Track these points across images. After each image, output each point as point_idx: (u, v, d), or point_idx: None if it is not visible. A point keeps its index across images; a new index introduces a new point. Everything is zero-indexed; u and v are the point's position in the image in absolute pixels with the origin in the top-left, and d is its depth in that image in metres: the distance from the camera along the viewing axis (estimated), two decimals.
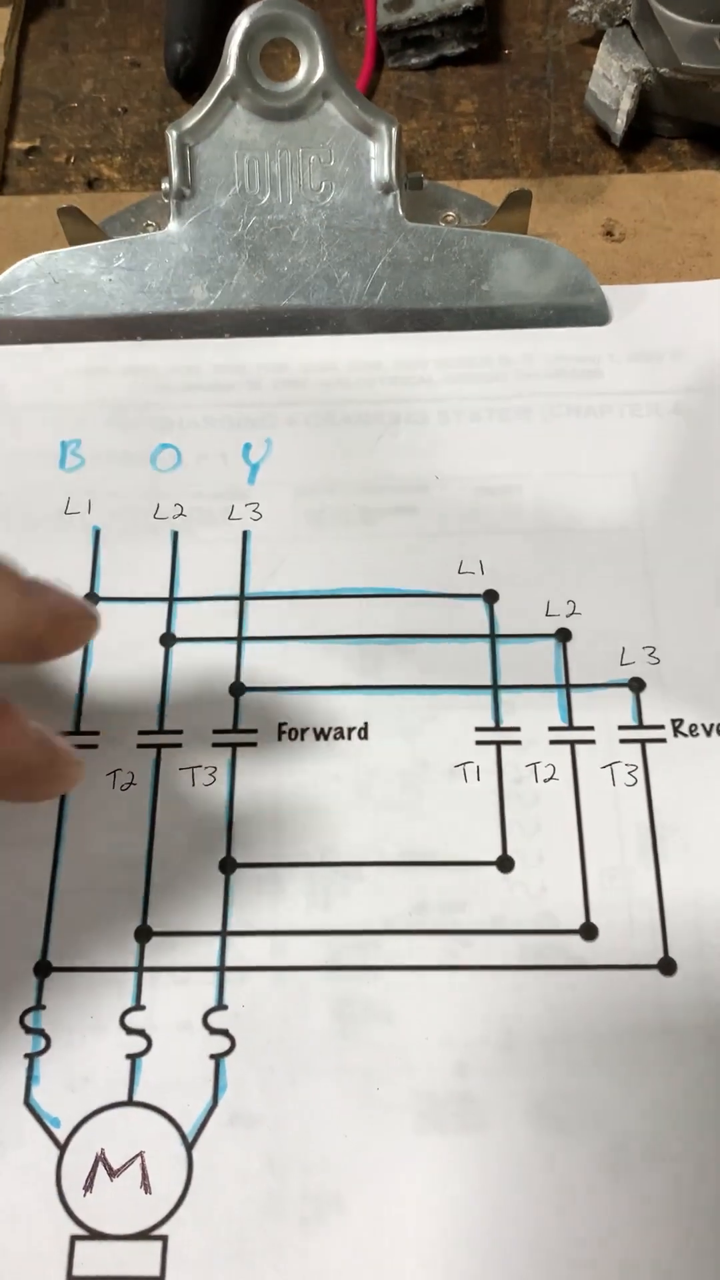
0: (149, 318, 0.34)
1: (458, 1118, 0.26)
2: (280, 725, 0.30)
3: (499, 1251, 0.25)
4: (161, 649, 0.31)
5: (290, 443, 0.33)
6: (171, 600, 0.31)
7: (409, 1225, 0.25)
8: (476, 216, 0.36)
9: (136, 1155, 0.26)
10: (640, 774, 0.29)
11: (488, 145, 0.40)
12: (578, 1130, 0.25)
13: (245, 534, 0.32)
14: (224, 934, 0.27)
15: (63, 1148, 0.26)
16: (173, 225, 0.34)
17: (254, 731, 0.30)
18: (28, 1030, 0.27)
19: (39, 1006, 0.27)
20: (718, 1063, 0.26)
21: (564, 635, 0.30)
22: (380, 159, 0.34)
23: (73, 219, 0.35)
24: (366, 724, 0.30)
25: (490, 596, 0.31)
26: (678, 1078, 0.26)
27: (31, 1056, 0.26)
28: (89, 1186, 0.25)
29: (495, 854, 0.28)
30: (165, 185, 0.34)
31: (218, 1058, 0.26)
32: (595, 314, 0.34)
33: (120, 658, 0.31)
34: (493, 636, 0.30)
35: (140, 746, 0.30)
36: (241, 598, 0.31)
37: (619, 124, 0.38)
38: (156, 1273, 0.25)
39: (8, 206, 0.38)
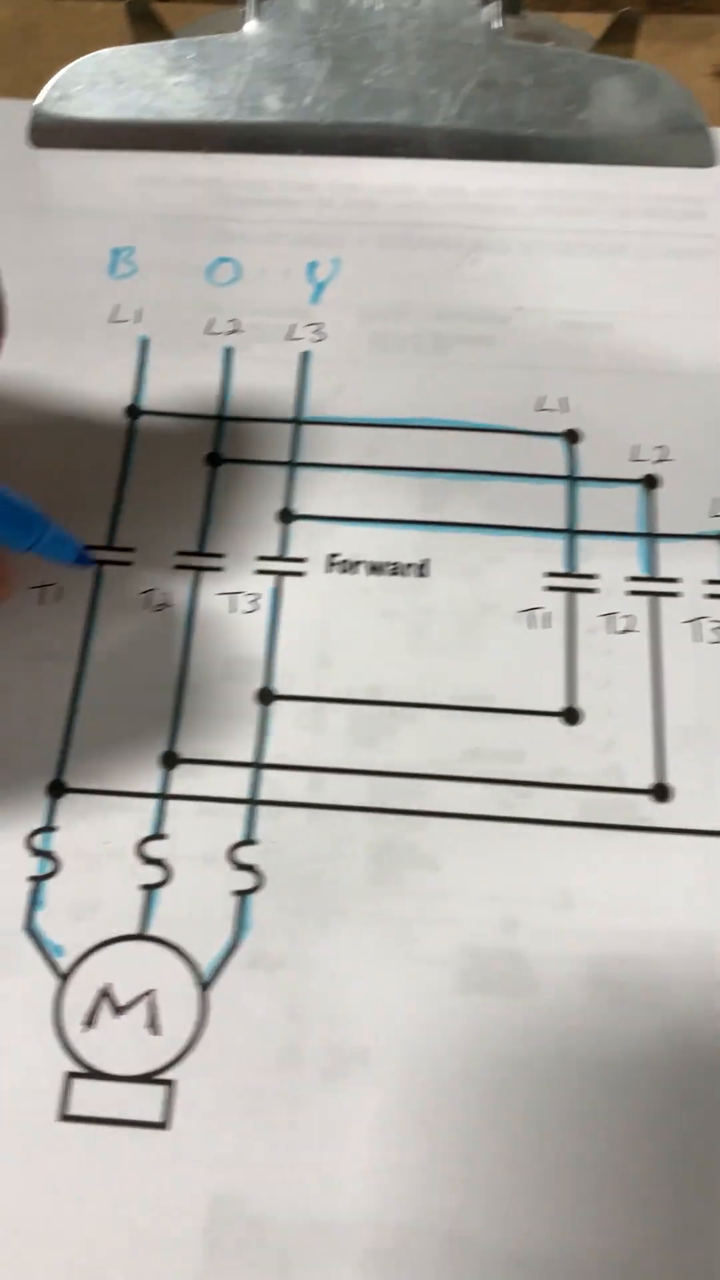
0: (216, 127, 0.32)
1: (505, 977, 0.23)
2: (331, 556, 0.27)
3: (538, 1125, 0.22)
4: (206, 468, 0.28)
5: (360, 263, 0.30)
6: (220, 419, 0.29)
7: (441, 1086, 0.22)
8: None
9: (145, 993, 0.23)
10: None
11: None
12: (639, 1000, 0.23)
13: (305, 355, 0.29)
14: (257, 765, 0.25)
15: (64, 978, 0.23)
16: (250, 26, 0.31)
17: (302, 560, 0.27)
18: (35, 852, 0.24)
19: (49, 828, 0.24)
20: None
21: (650, 482, 0.27)
22: None
23: (142, 21, 0.32)
24: (426, 560, 0.27)
25: (571, 436, 0.28)
26: None
27: (36, 880, 0.24)
28: (90, 1022, 0.23)
29: (560, 704, 0.25)
30: None
31: (242, 894, 0.24)
32: (700, 154, 0.31)
33: (162, 474, 0.28)
34: (571, 478, 0.28)
35: (178, 568, 0.27)
36: (297, 421, 0.28)
37: None
38: (159, 1118, 0.22)
39: (72, 11, 0.35)
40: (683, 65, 0.33)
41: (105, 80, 0.32)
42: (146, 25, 0.32)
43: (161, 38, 0.32)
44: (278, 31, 0.31)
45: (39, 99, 0.32)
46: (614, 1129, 0.22)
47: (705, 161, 0.32)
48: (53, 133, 0.32)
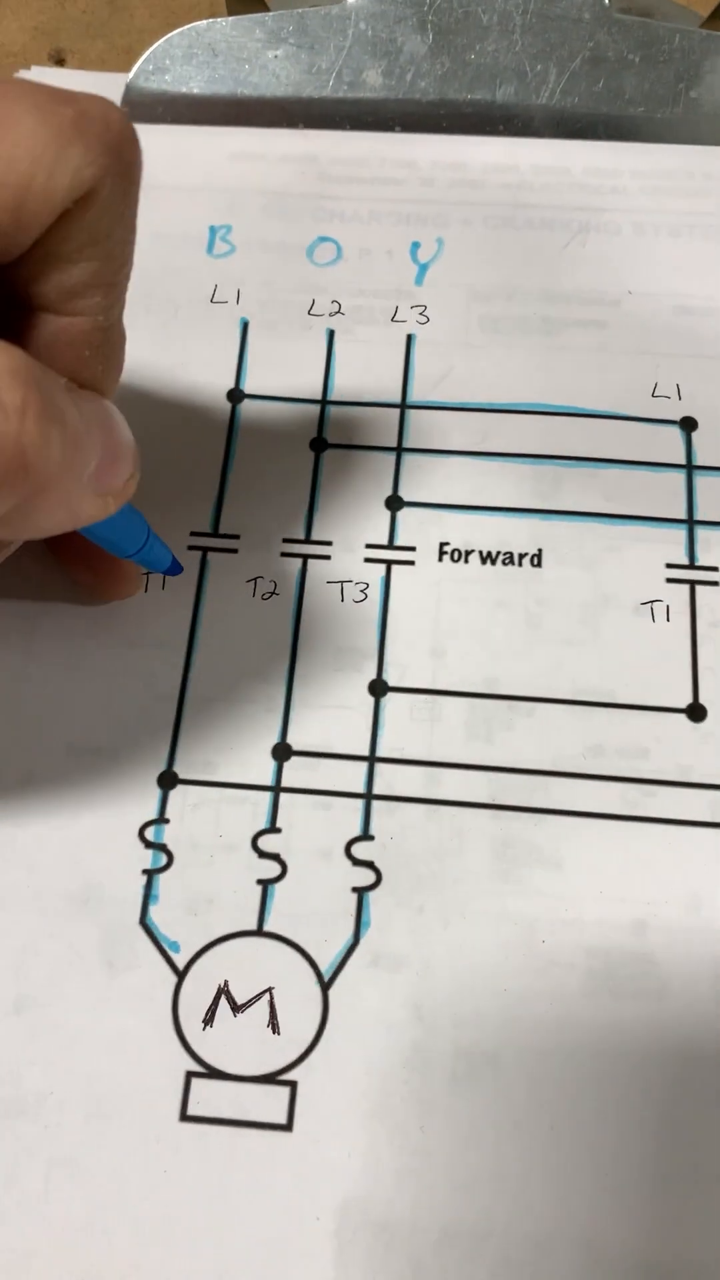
0: (315, 102, 0.31)
1: (634, 981, 0.22)
2: (442, 545, 0.26)
3: (671, 1129, 0.21)
4: (311, 454, 0.27)
5: (464, 244, 0.29)
6: (324, 403, 0.28)
7: (571, 1091, 0.21)
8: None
9: (264, 991, 0.22)
10: None
11: None
12: None
13: (410, 337, 0.28)
14: (372, 759, 0.24)
15: (181, 975, 0.23)
16: None
17: (412, 549, 0.26)
18: (148, 845, 0.24)
19: (161, 820, 0.24)
20: None
21: None
22: None
23: None
24: (540, 550, 0.26)
25: (688, 424, 0.27)
26: None
27: (150, 873, 0.23)
28: (210, 1020, 0.22)
29: (685, 701, 0.25)
30: None
31: (361, 891, 0.23)
32: None
33: (265, 460, 0.27)
34: (689, 467, 0.27)
35: (284, 555, 0.26)
36: (403, 405, 0.28)
37: None
38: (283, 1120, 0.22)
39: None
40: None
41: (201, 53, 0.31)
42: None
43: (258, 10, 0.31)
44: (380, 4, 0.30)
45: (131, 73, 0.31)
46: None
47: None
48: (146, 107, 0.31)
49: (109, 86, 0.31)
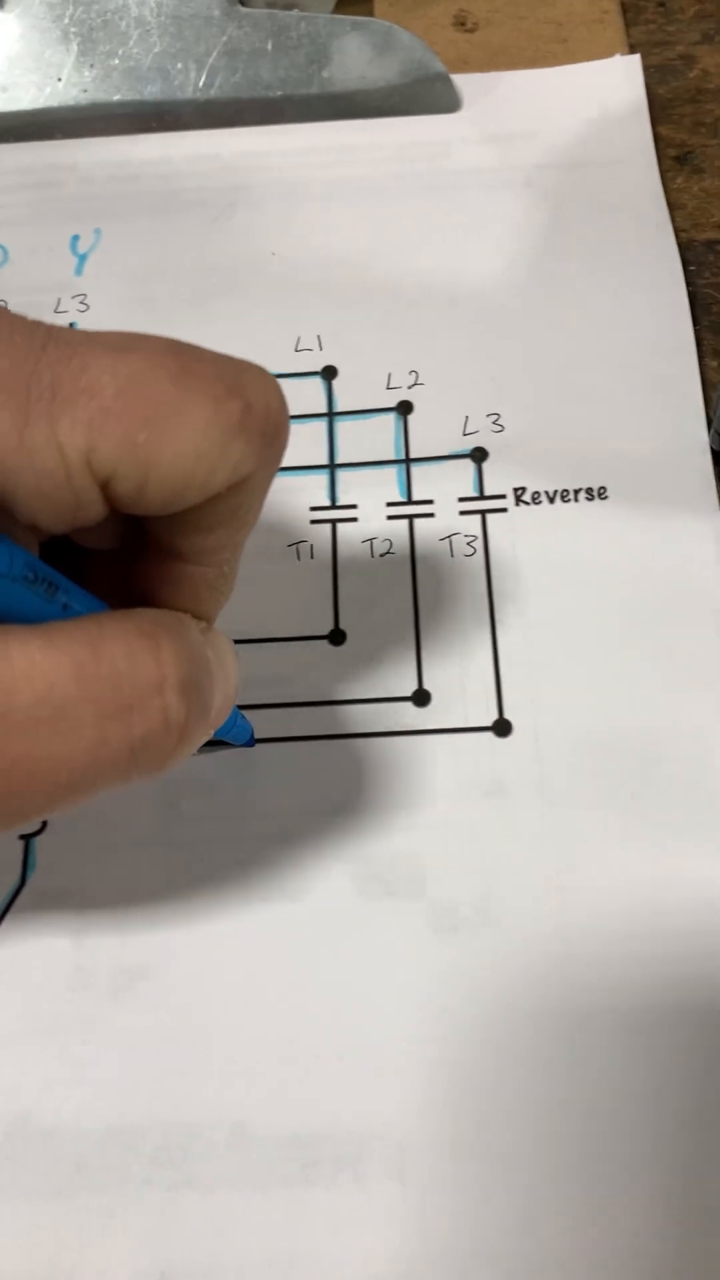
0: None
1: (280, 888, 0.24)
2: None
3: (303, 1012, 0.23)
4: None
5: (121, 232, 0.31)
6: None
7: (218, 995, 0.23)
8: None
9: None
10: (479, 544, 0.27)
11: None
12: (404, 895, 0.24)
13: (71, 326, 0.30)
14: None
15: None
16: None
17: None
18: None
19: None
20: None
21: (405, 408, 0.29)
22: None
23: None
24: None
25: (329, 373, 0.29)
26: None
27: None
28: None
29: (327, 628, 0.27)
30: None
31: (28, 838, 0.25)
32: (443, 100, 0.33)
33: None
34: (330, 414, 0.29)
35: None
36: None
37: None
38: None
39: None
40: (424, 19, 0.35)
41: None
42: None
43: None
44: (24, 21, 0.32)
45: None
46: (392, 1020, 0.23)
47: (450, 107, 0.33)
48: None
49: None
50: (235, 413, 0.16)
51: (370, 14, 0.33)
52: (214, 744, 0.24)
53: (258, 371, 0.17)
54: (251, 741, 0.25)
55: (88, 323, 0.30)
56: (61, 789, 0.15)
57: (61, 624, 0.15)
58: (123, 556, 0.19)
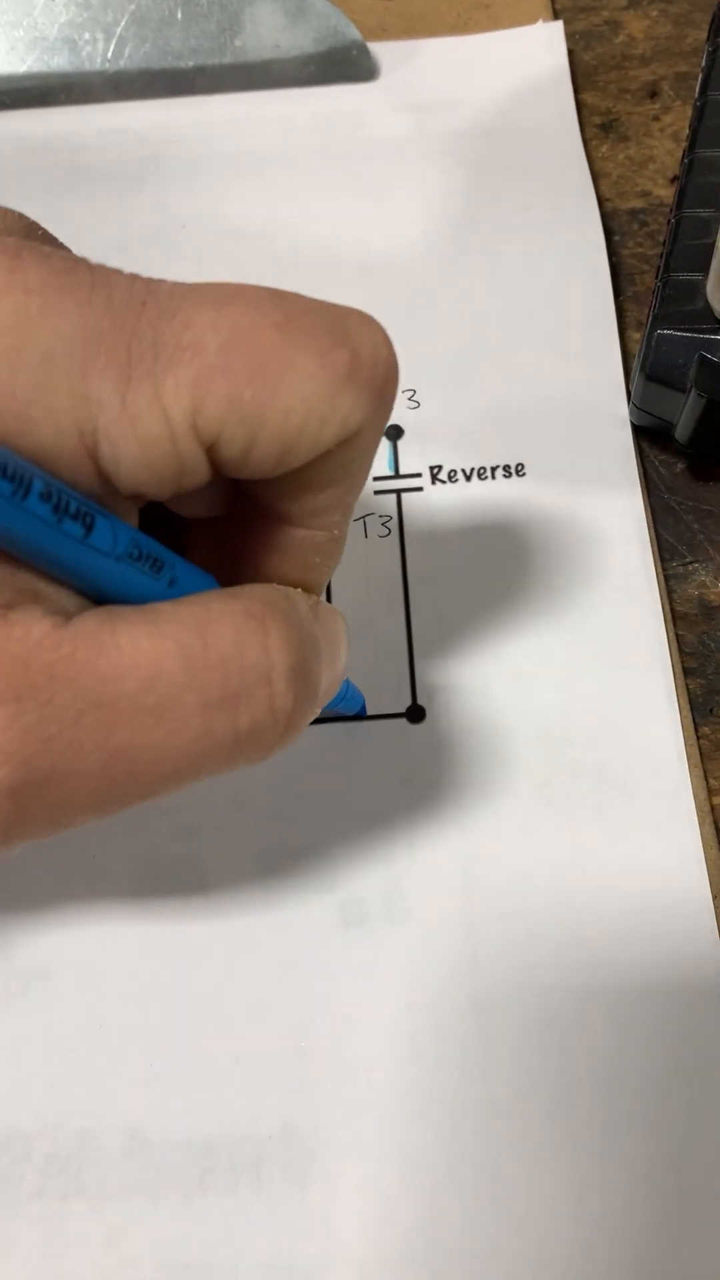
0: None
1: (180, 883, 0.23)
2: None
3: (205, 1014, 0.22)
4: None
5: (27, 209, 0.30)
6: None
7: (114, 996, 0.22)
8: None
9: None
10: (394, 524, 0.26)
11: None
12: (314, 882, 0.23)
13: None
14: None
15: None
16: None
17: None
18: None
19: None
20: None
21: None
22: None
23: None
24: None
25: None
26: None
27: None
28: None
29: None
30: None
31: None
32: (359, 68, 0.32)
33: None
34: None
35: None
36: None
37: None
38: None
39: None
40: None
41: None
42: None
43: None
44: None
45: None
46: (287, 1008, 0.22)
47: (367, 75, 0.32)
48: None
49: None
50: (343, 363, 0.15)
51: None
52: (324, 718, 0.23)
53: (364, 318, 0.16)
54: (363, 711, 0.24)
55: None
56: (164, 779, 0.15)
57: (168, 606, 0.14)
58: (226, 524, 0.18)
